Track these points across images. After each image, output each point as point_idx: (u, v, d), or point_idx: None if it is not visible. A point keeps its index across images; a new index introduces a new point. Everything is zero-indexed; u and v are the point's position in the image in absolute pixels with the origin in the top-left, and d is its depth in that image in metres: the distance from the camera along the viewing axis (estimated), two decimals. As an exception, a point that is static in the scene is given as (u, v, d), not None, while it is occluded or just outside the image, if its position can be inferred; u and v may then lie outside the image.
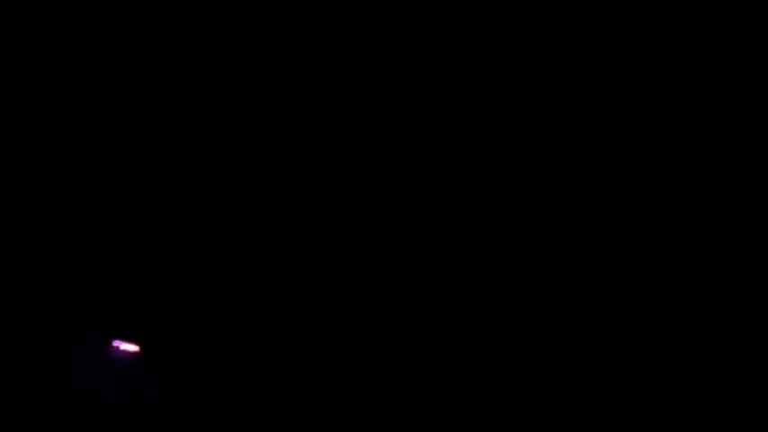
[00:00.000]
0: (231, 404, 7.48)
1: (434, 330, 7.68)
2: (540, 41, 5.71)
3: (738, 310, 7.29)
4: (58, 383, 7.65)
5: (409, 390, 7.61)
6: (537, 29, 5.60)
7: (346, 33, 5.79)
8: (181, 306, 7.63)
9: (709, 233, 7.22)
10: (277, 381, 7.55)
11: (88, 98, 6.53)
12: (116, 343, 7.67)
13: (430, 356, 7.69)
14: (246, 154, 7.06)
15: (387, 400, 7.55)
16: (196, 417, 7.44)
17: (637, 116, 6.38)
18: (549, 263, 7.66)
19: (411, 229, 7.54)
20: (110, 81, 6.37)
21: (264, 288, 7.65)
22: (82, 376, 7.69)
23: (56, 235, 7.51)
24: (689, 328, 7.41)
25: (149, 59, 6.14)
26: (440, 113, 6.53)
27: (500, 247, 7.60)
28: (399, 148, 6.89)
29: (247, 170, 7.20)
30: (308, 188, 7.33)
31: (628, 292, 7.56)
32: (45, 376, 7.68)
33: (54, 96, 6.50)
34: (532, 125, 6.53)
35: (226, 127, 6.84)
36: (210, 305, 7.63)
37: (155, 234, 7.62)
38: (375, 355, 7.65)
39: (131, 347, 7.71)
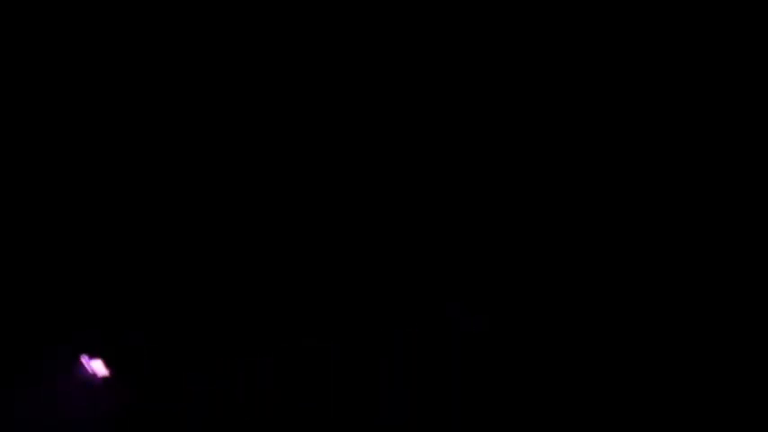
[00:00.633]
0: (231, 404, 7.48)
1: (434, 330, 7.68)
2: (540, 41, 5.70)
3: (738, 310, 7.28)
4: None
5: (409, 390, 7.60)
6: (537, 29, 5.60)
7: (346, 33, 5.78)
8: (181, 306, 7.63)
9: (709, 233, 7.21)
10: (277, 381, 7.55)
11: (88, 98, 6.53)
12: (85, 360, 7.32)
13: (430, 356, 7.68)
14: (246, 154, 7.06)
15: (387, 400, 7.55)
16: (196, 417, 7.43)
17: (637, 116, 6.38)
18: (549, 263, 7.65)
19: (411, 229, 7.54)
20: (110, 81, 6.37)
21: (264, 288, 7.65)
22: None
23: (52, 233, 7.49)
24: (690, 328, 7.40)
25: (149, 59, 6.14)
26: (440, 113, 6.53)
27: (500, 247, 7.59)
28: (399, 147, 6.89)
29: (246, 170, 7.20)
30: (308, 188, 7.33)
31: (629, 292, 7.55)
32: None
33: (54, 96, 6.50)
34: (532, 125, 6.52)
35: (225, 127, 6.84)
36: (210, 305, 7.62)
37: (155, 234, 7.61)
38: (375, 355, 7.65)
39: (101, 370, 7.36)
